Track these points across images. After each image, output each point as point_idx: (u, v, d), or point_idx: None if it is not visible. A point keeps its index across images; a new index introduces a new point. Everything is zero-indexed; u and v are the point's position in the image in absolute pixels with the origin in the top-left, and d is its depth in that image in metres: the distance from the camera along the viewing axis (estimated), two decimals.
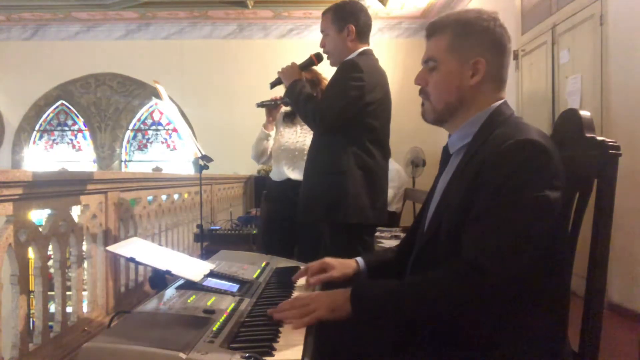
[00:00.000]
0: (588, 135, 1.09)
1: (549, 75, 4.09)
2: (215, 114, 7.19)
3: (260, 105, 2.73)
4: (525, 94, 4.65)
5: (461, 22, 1.12)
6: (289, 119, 2.86)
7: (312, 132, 2.31)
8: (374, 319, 1.06)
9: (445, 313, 0.99)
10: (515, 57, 4.75)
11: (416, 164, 6.59)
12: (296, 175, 2.71)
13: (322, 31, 2.20)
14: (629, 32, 3.09)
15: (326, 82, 2.71)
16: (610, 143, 1.05)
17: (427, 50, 1.16)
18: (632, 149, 2.85)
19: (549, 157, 0.97)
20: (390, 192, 5.10)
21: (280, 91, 2.39)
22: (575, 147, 1.12)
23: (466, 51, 1.10)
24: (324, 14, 2.19)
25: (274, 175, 2.86)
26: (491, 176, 0.99)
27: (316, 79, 2.71)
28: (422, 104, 1.18)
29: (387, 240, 3.62)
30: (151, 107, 7.74)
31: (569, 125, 1.16)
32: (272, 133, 2.86)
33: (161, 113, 7.80)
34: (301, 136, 2.81)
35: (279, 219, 2.79)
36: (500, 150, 0.99)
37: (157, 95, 2.36)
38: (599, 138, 1.07)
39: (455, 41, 1.11)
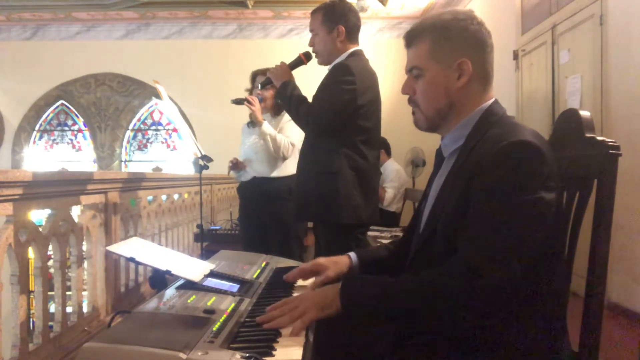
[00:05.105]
0: (588, 135, 1.09)
1: (549, 75, 4.09)
2: (215, 114, 7.18)
3: (235, 101, 2.90)
4: (525, 94, 4.64)
5: (438, 26, 1.11)
6: (252, 124, 3.04)
7: None
8: (364, 314, 1.05)
9: (436, 312, 0.98)
10: (515, 57, 4.75)
11: (416, 164, 6.59)
12: (259, 172, 2.96)
13: (311, 30, 2.22)
14: (628, 32, 3.08)
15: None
16: (610, 143, 1.04)
17: (409, 59, 1.16)
18: (632, 149, 2.85)
19: (543, 158, 0.97)
20: (390, 192, 5.10)
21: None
22: (575, 147, 1.12)
23: (448, 54, 1.09)
24: (313, 13, 2.20)
25: (244, 177, 3.07)
26: (486, 178, 0.98)
27: None
28: (413, 113, 1.18)
29: (387, 240, 3.62)
30: (151, 107, 7.73)
31: (569, 125, 1.16)
32: (265, 125, 2.94)
33: (161, 113, 7.79)
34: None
35: (248, 215, 3.04)
36: (493, 152, 0.98)
37: (157, 95, 2.37)
38: (599, 138, 1.07)
39: (435, 46, 1.11)
